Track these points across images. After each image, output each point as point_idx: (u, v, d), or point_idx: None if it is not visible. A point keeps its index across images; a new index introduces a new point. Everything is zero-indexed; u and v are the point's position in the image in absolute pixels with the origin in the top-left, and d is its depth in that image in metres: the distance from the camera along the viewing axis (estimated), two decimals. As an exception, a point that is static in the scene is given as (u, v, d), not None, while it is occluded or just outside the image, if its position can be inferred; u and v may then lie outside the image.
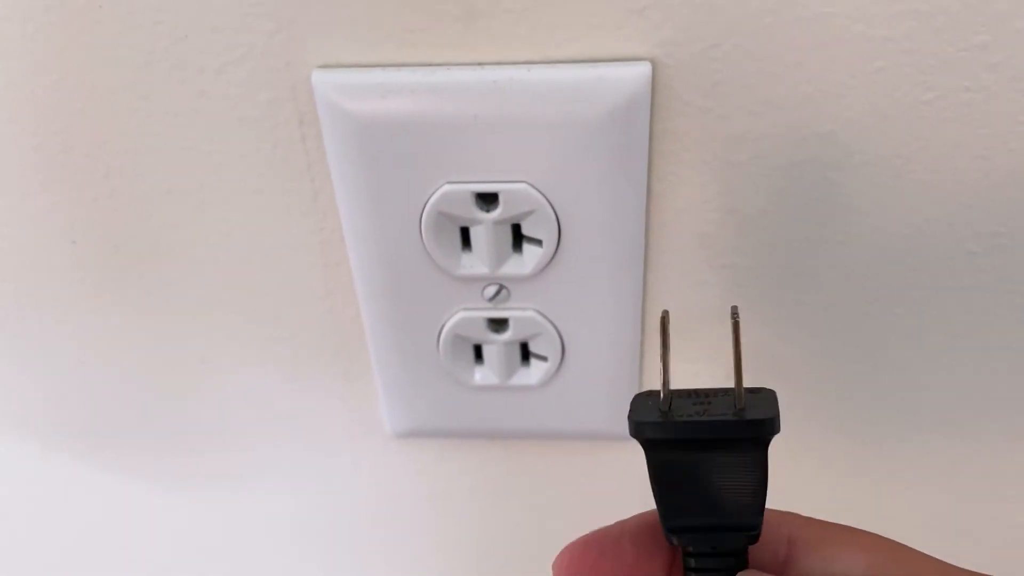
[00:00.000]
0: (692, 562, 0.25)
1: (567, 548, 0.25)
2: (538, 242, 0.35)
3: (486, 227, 0.35)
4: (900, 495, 0.45)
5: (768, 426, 0.24)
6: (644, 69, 0.32)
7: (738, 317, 0.25)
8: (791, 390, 0.41)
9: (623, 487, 0.46)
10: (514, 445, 0.45)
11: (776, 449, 0.25)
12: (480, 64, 0.33)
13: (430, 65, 0.33)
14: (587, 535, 0.25)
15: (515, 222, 0.35)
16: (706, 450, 0.25)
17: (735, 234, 0.36)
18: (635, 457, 0.44)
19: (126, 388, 0.45)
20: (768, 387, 0.26)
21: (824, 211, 0.35)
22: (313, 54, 0.33)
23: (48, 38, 0.34)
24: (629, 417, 0.26)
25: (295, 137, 0.35)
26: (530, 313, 0.38)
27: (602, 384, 0.40)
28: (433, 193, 0.34)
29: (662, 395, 0.25)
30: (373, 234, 0.36)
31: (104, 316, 0.42)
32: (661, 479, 0.25)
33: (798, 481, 0.44)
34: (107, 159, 0.37)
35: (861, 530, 0.25)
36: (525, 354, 0.40)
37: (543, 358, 0.39)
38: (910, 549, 0.24)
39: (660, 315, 0.27)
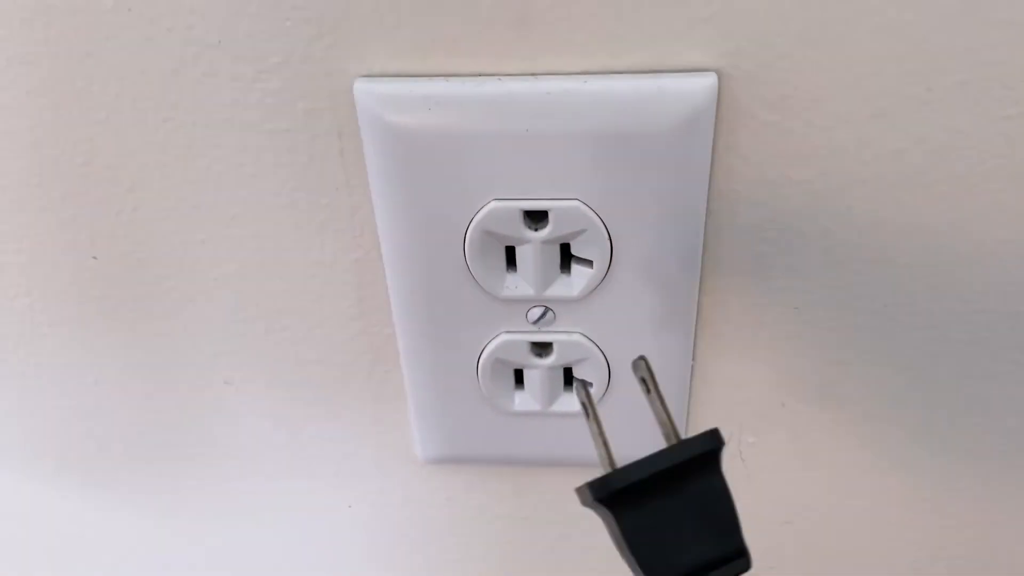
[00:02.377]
0: None
1: None
2: (588, 263, 0.33)
3: (534, 246, 0.33)
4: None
5: (707, 439, 0.25)
6: (710, 81, 0.30)
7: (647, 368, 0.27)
8: (847, 418, 0.39)
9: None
10: (549, 472, 0.43)
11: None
12: (533, 74, 0.31)
13: (479, 75, 0.31)
14: None
15: (564, 241, 0.33)
16: (663, 494, 0.25)
17: (795, 256, 0.34)
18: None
19: (146, 410, 0.43)
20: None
21: (890, 232, 0.33)
22: (355, 62, 0.31)
23: (71, 42, 0.32)
24: (578, 490, 0.26)
25: (333, 150, 0.33)
26: (576, 337, 0.36)
27: (649, 411, 0.38)
28: (479, 210, 0.32)
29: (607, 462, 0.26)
30: (413, 253, 0.34)
31: (124, 335, 0.40)
32: (633, 539, 0.25)
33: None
34: (132, 171, 0.35)
35: None
36: (568, 379, 0.38)
37: (588, 383, 0.37)
38: None
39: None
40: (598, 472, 0.42)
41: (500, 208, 0.32)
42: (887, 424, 0.39)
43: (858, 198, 0.32)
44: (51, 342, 0.41)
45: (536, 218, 0.33)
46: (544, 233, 0.33)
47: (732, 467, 0.41)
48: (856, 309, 0.35)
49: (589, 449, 0.40)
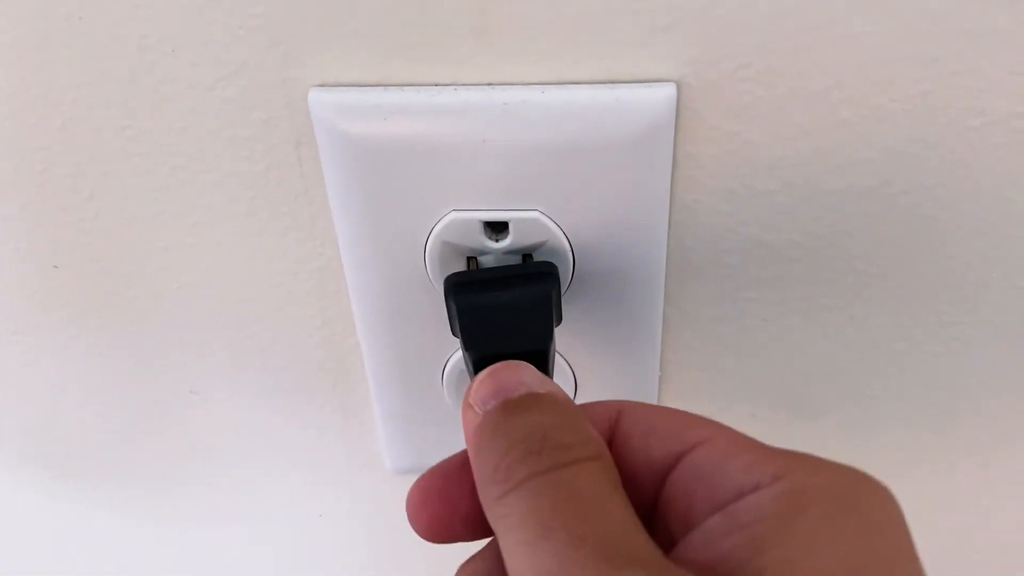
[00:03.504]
0: None
1: (416, 482, 0.25)
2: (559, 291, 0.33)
3: (495, 257, 0.33)
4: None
5: (547, 265, 0.30)
6: (669, 91, 0.29)
7: None
8: (817, 430, 0.38)
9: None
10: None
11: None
12: (491, 84, 0.30)
13: (436, 85, 0.30)
14: (434, 465, 0.25)
15: (526, 252, 0.33)
16: (498, 292, 0.30)
17: (762, 267, 0.34)
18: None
19: (111, 419, 0.42)
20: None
21: (858, 244, 0.33)
22: (311, 71, 0.31)
23: (25, 51, 0.31)
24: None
25: (291, 159, 0.33)
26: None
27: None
28: (439, 221, 0.32)
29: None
30: (374, 263, 0.34)
31: (87, 343, 0.39)
32: (463, 320, 0.29)
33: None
34: (91, 180, 0.34)
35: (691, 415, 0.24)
36: (535, 389, 0.37)
37: (554, 395, 0.37)
38: (739, 435, 0.23)
39: None
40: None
41: (459, 219, 0.32)
42: (858, 434, 0.38)
43: (824, 209, 0.32)
44: (15, 350, 0.40)
45: (497, 228, 0.32)
46: (505, 244, 0.32)
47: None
48: (825, 319, 0.35)
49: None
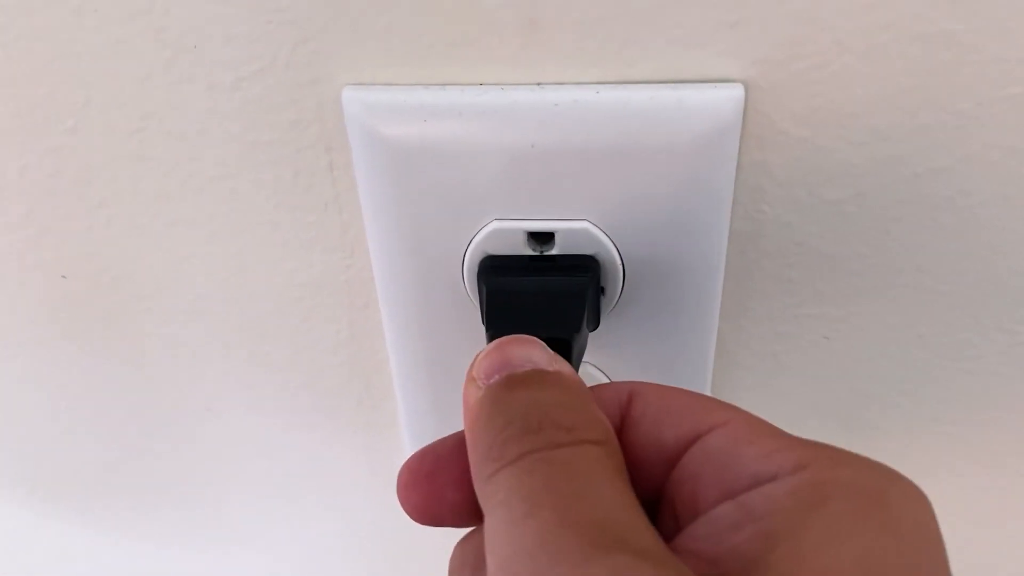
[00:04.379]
0: None
1: (406, 462, 0.23)
2: (599, 289, 0.31)
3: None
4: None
5: (588, 259, 0.29)
6: (735, 92, 0.27)
7: None
8: (875, 454, 0.36)
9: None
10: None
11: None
12: (540, 84, 0.28)
13: (481, 84, 0.28)
14: (427, 445, 0.24)
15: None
16: (532, 276, 0.29)
17: (825, 281, 0.31)
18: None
19: (122, 435, 0.40)
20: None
21: (929, 258, 0.30)
22: (344, 69, 0.28)
23: (34, 45, 0.29)
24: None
25: (321, 164, 0.30)
26: (587, 368, 0.33)
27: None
28: (479, 231, 0.30)
29: None
30: (408, 275, 0.31)
31: (98, 357, 0.37)
32: (490, 301, 0.28)
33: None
34: (102, 185, 0.32)
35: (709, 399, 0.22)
36: (575, 410, 0.35)
37: (597, 416, 0.35)
38: (760, 421, 0.21)
39: None
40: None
41: (502, 229, 0.29)
42: (918, 460, 0.36)
43: (895, 220, 0.30)
44: (20, 363, 0.38)
45: (541, 240, 0.30)
46: (550, 254, 0.30)
47: (750, 503, 0.38)
48: (889, 339, 0.33)
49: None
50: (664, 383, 0.33)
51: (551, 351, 0.23)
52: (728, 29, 0.26)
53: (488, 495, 0.19)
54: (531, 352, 0.22)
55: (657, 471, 0.21)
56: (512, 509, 0.18)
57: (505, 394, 0.21)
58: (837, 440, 0.35)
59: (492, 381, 0.22)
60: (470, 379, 0.23)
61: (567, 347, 0.28)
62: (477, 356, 0.23)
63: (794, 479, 0.18)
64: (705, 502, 0.19)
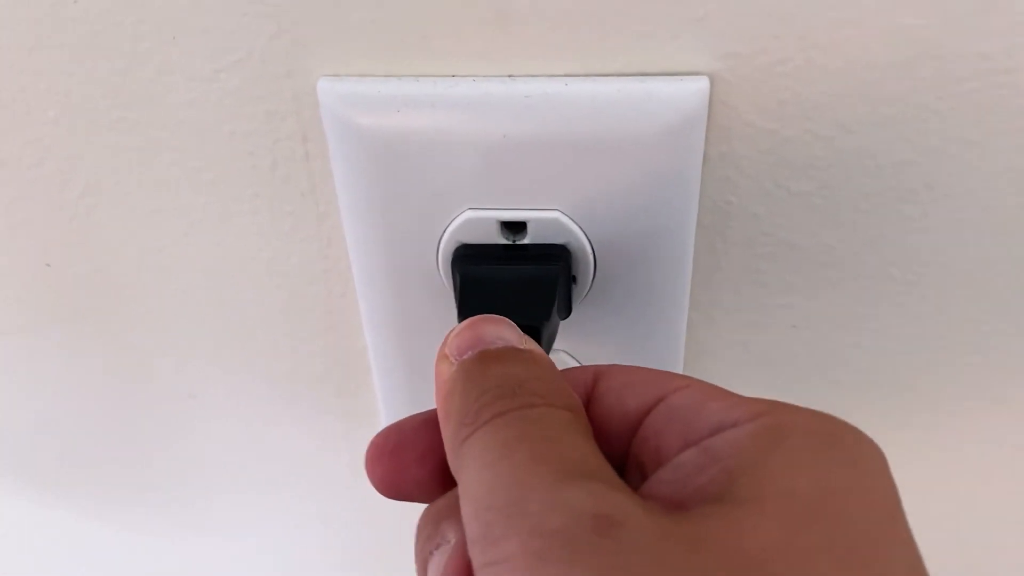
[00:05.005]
0: None
1: (372, 439, 0.24)
2: (570, 278, 0.31)
3: (510, 261, 0.31)
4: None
5: (559, 248, 0.30)
6: (701, 85, 0.27)
7: None
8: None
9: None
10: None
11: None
12: (511, 76, 0.28)
13: (454, 76, 0.28)
14: (393, 423, 0.24)
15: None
16: (504, 265, 0.29)
17: (794, 272, 0.32)
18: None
19: (107, 421, 0.40)
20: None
21: (896, 249, 0.31)
22: (319, 61, 0.29)
23: (14, 36, 0.29)
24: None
25: (298, 154, 0.31)
26: (560, 355, 0.33)
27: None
28: (453, 220, 0.30)
29: None
30: (384, 263, 0.32)
31: (81, 344, 0.38)
32: (463, 289, 0.29)
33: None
34: (84, 175, 0.32)
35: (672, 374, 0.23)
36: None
37: (571, 403, 0.35)
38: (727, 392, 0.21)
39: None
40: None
41: (475, 218, 0.30)
42: (886, 446, 0.37)
43: (861, 212, 0.30)
44: (3, 351, 0.38)
45: (514, 229, 0.31)
46: (523, 243, 0.30)
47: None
48: (856, 328, 0.33)
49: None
50: (636, 370, 0.34)
51: (521, 332, 0.24)
52: (695, 23, 0.27)
53: (462, 456, 0.20)
54: (503, 331, 0.23)
55: (624, 438, 0.22)
56: (487, 453, 0.19)
57: (479, 368, 0.22)
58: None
59: (465, 357, 0.22)
60: (442, 356, 0.23)
61: (537, 333, 0.28)
62: (449, 334, 0.24)
63: (754, 424, 0.19)
64: (669, 451, 0.20)
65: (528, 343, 0.23)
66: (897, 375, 0.34)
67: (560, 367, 0.33)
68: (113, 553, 0.47)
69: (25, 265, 0.35)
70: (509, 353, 0.22)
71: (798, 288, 0.32)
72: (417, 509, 0.40)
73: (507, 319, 0.24)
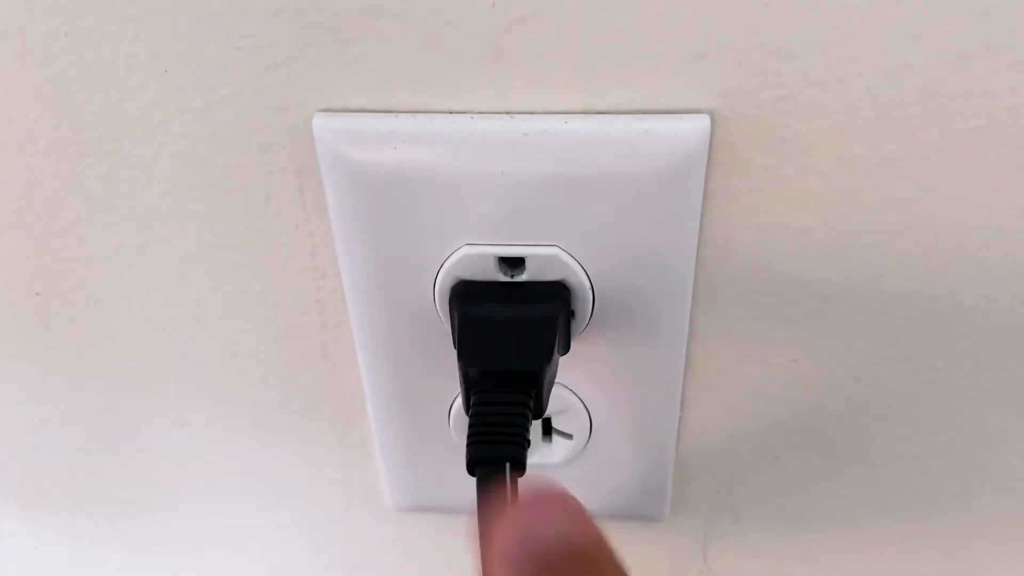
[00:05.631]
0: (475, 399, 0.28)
1: None
2: (570, 314, 0.31)
3: (508, 296, 0.30)
4: None
5: (558, 287, 0.29)
6: (702, 123, 0.27)
7: None
8: (843, 475, 0.36)
9: (640, 568, 0.41)
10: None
11: None
12: (509, 113, 0.28)
13: (451, 112, 0.28)
14: None
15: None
16: (504, 305, 0.29)
17: (793, 306, 0.32)
18: (660, 538, 0.39)
19: (97, 451, 0.40)
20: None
21: (895, 284, 0.31)
22: (315, 95, 0.28)
23: (4, 68, 0.29)
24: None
25: (292, 188, 0.30)
26: (559, 390, 0.33)
27: (631, 464, 0.36)
28: (450, 256, 0.30)
29: None
30: (379, 297, 0.32)
31: (72, 373, 0.37)
32: (462, 327, 0.29)
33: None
34: (74, 205, 0.32)
35: None
36: (547, 429, 0.35)
37: (567, 436, 0.35)
38: None
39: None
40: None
41: (473, 254, 0.30)
42: (885, 480, 0.37)
43: (860, 248, 0.30)
44: (-7, 380, 0.38)
45: (512, 264, 0.30)
46: (521, 280, 0.30)
47: (722, 520, 0.39)
48: (856, 362, 0.33)
49: (569, 501, 0.37)
50: (635, 404, 0.34)
51: (578, 504, 0.21)
52: (695, 61, 0.27)
53: None
54: (562, 525, 0.20)
55: None
56: None
57: None
58: (805, 462, 0.36)
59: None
60: (490, 560, 0.20)
61: (538, 378, 0.28)
62: (487, 523, 0.21)
63: None
64: None
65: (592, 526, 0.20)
66: (896, 408, 0.34)
67: (559, 403, 0.33)
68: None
69: (15, 294, 0.35)
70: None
71: (797, 322, 0.32)
72: (410, 547, 0.40)
73: (562, 497, 0.21)
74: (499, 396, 0.28)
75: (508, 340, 0.28)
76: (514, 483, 0.27)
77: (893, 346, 0.32)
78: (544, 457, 0.35)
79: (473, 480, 0.35)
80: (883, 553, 0.39)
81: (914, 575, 0.40)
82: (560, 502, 0.21)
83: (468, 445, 0.27)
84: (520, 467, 0.27)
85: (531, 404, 0.28)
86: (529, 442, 0.28)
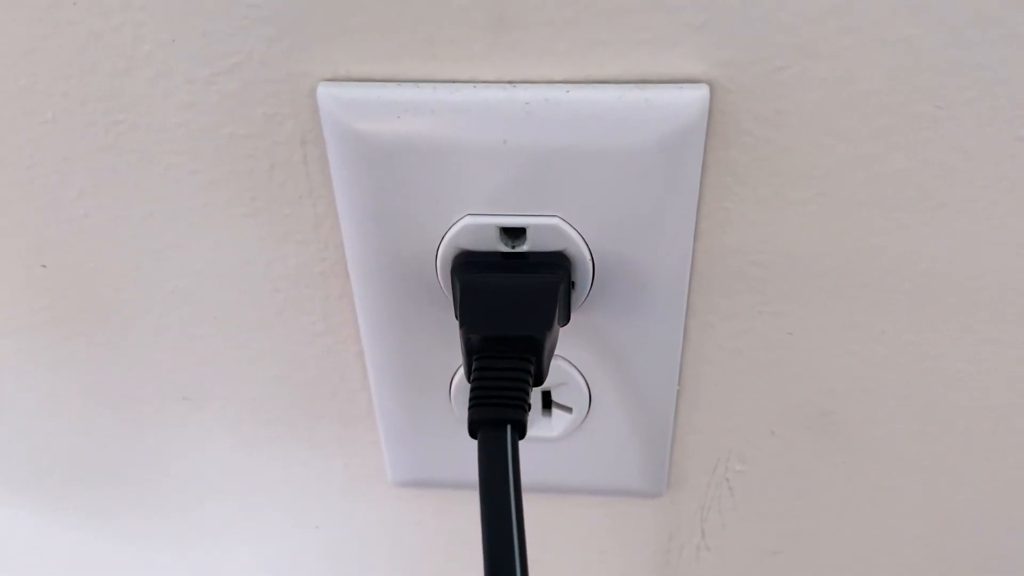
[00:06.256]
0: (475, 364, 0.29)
1: None
2: (570, 285, 0.31)
3: (508, 266, 0.31)
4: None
5: (558, 256, 0.30)
6: (701, 93, 0.28)
7: None
8: (838, 448, 0.37)
9: (639, 543, 0.42)
10: (524, 498, 0.41)
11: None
12: (511, 82, 0.28)
13: (453, 82, 0.28)
14: None
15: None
16: (505, 273, 0.29)
17: (789, 279, 0.32)
18: (657, 514, 0.40)
19: (100, 425, 0.40)
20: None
21: (891, 258, 0.31)
22: (319, 65, 0.29)
23: (12, 38, 0.29)
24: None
25: (296, 158, 0.31)
26: (558, 363, 0.34)
27: (630, 438, 0.36)
28: (452, 226, 0.30)
29: None
30: (381, 268, 0.32)
31: (76, 346, 0.37)
32: (463, 295, 0.29)
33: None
34: (80, 176, 0.32)
35: None
36: (547, 403, 0.36)
37: (567, 409, 0.35)
38: None
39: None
40: (566, 499, 0.40)
41: (474, 224, 0.30)
42: (881, 454, 0.37)
43: (857, 220, 0.30)
44: (-2, 353, 0.38)
45: (513, 235, 0.31)
46: (521, 250, 0.30)
47: (719, 495, 0.39)
48: (852, 336, 0.33)
49: (566, 476, 0.38)
50: (633, 377, 0.34)
51: None
52: (694, 31, 0.27)
53: None
54: None
55: None
56: None
57: None
58: (802, 437, 0.36)
59: None
60: None
61: (539, 344, 0.28)
62: None
63: None
64: None
65: None
66: (893, 383, 0.34)
67: (559, 376, 0.34)
68: (106, 558, 0.47)
69: (20, 266, 0.35)
70: None
71: (794, 295, 0.32)
72: (409, 523, 0.40)
73: None
74: (501, 362, 0.28)
75: (510, 307, 0.29)
76: (514, 446, 0.27)
77: (889, 320, 0.33)
78: (543, 431, 0.36)
79: (474, 452, 0.35)
80: (881, 530, 0.40)
81: (912, 551, 0.40)
82: None
83: (470, 408, 0.28)
84: (521, 430, 0.28)
85: (532, 370, 0.28)
86: (530, 406, 0.28)
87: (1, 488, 0.44)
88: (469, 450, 0.37)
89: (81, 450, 0.42)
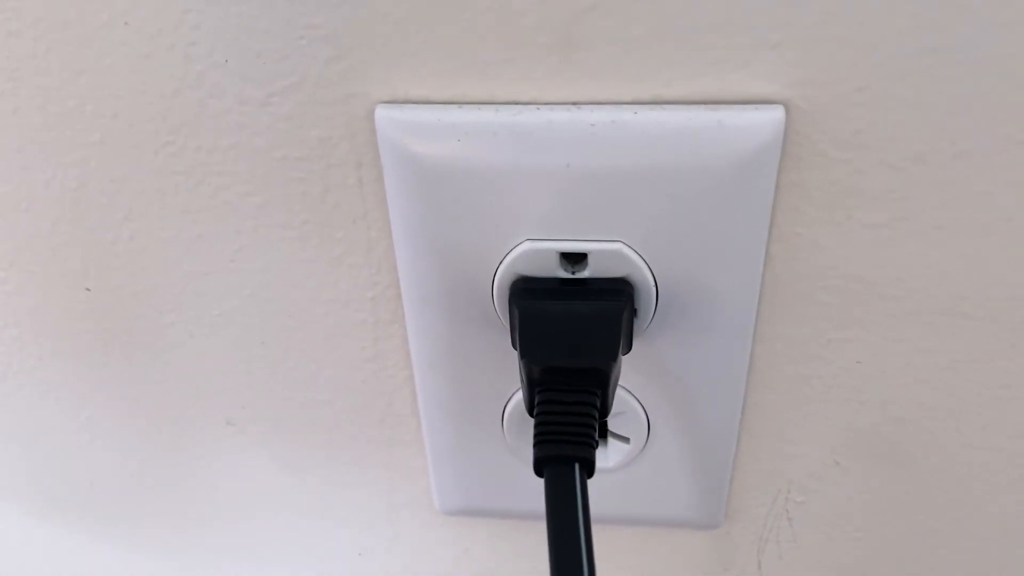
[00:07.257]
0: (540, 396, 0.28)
1: None
2: (632, 312, 0.30)
3: (569, 293, 0.30)
4: None
5: (621, 282, 0.28)
6: (776, 114, 0.26)
7: None
8: (908, 479, 0.35)
9: (692, 574, 0.40)
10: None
11: None
12: (576, 104, 0.27)
13: (516, 104, 0.27)
14: None
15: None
16: (567, 301, 0.28)
17: (861, 305, 0.31)
18: (714, 546, 0.38)
19: (143, 448, 0.40)
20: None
21: (968, 284, 0.30)
22: (377, 86, 0.28)
23: (64, 58, 0.29)
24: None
25: (351, 181, 0.30)
26: (619, 393, 0.32)
27: (689, 470, 0.35)
28: (511, 251, 0.29)
29: None
30: (436, 293, 0.31)
31: (120, 369, 0.37)
32: (523, 325, 0.28)
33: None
34: (128, 198, 0.32)
35: None
36: (603, 431, 0.35)
37: (624, 439, 0.34)
38: None
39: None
40: (621, 530, 0.39)
41: (534, 249, 0.29)
42: (949, 486, 0.35)
43: (934, 245, 0.29)
44: (41, 375, 0.38)
45: (573, 260, 0.30)
46: (582, 276, 0.29)
47: (778, 526, 0.38)
48: (922, 363, 0.32)
49: (617, 507, 0.37)
50: (695, 407, 0.33)
51: None
52: (769, 50, 0.26)
53: None
54: None
55: None
56: None
57: None
58: (868, 468, 0.35)
59: None
60: None
61: (605, 376, 0.27)
62: None
63: None
64: None
65: None
66: (964, 413, 0.33)
67: (617, 404, 0.32)
68: (143, 580, 0.46)
69: (64, 288, 0.35)
70: None
71: (864, 322, 0.31)
72: (457, 551, 0.39)
73: None
74: (566, 395, 0.27)
75: (572, 337, 0.28)
76: (583, 485, 0.26)
77: (961, 348, 0.32)
78: (599, 461, 0.35)
79: (525, 482, 0.34)
80: (948, 564, 0.38)
81: (975, 586, 0.39)
82: None
83: (535, 444, 0.27)
84: (589, 468, 0.26)
85: (597, 403, 0.27)
86: (597, 443, 0.27)
87: (43, 509, 0.44)
88: (520, 479, 0.36)
89: (123, 472, 0.41)
